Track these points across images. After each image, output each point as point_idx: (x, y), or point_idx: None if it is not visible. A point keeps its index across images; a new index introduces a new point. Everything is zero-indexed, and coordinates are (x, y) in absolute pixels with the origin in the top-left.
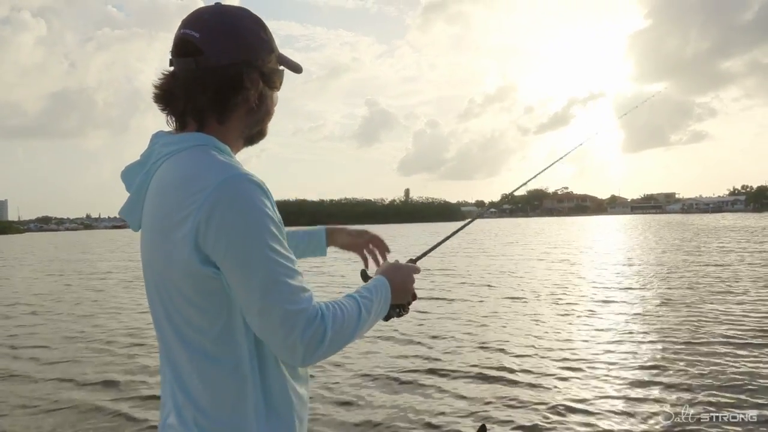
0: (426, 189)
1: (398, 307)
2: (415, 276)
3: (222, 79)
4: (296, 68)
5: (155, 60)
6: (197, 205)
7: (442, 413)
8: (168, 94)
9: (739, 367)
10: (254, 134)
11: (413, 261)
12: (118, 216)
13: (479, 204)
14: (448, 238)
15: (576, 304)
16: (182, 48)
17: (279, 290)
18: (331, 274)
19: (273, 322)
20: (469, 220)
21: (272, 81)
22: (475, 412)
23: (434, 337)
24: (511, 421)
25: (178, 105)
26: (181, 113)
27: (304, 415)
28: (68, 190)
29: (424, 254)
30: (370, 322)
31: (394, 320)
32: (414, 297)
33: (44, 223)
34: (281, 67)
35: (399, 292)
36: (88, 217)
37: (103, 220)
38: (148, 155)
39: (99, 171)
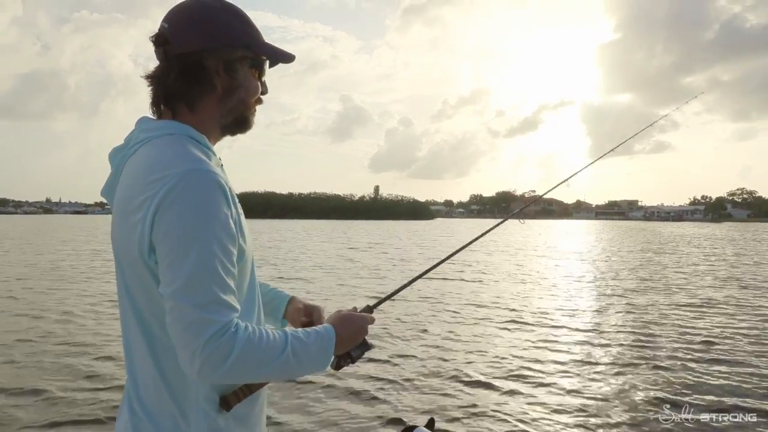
0: (395, 187)
1: (348, 355)
2: (369, 326)
3: (183, 67)
4: (285, 57)
5: (129, 45)
6: (154, 192)
7: (394, 406)
8: (151, 83)
9: (737, 367)
10: (230, 123)
11: (370, 308)
12: (78, 201)
13: (448, 203)
14: (410, 283)
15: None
16: (157, 39)
17: (198, 292)
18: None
19: (180, 322)
20: (456, 251)
21: (234, 70)
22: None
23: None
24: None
25: (153, 92)
26: (155, 101)
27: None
28: (29, 172)
29: (382, 301)
30: (296, 366)
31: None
32: (367, 345)
33: (1, 205)
34: (264, 59)
35: (346, 343)
36: (47, 201)
37: (64, 204)
38: (129, 139)
39: (63, 155)
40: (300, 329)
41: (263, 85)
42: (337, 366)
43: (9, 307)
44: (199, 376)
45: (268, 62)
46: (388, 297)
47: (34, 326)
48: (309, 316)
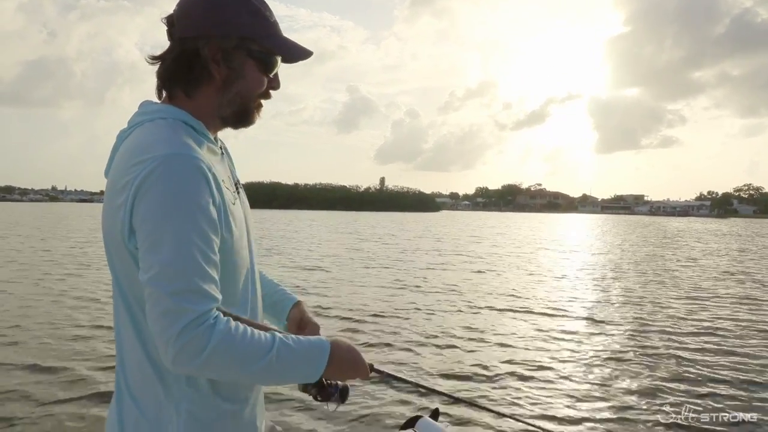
0: (401, 178)
1: (323, 386)
2: (358, 378)
3: (181, 51)
4: (300, 54)
5: (136, 34)
6: (135, 175)
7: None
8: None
9: (737, 366)
10: (229, 116)
11: (371, 366)
12: (84, 189)
13: (453, 196)
14: (423, 386)
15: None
16: (167, 20)
17: (174, 279)
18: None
19: (157, 310)
20: None
21: (232, 61)
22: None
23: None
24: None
25: (156, 75)
26: (157, 84)
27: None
28: (35, 160)
29: (389, 375)
30: (279, 371)
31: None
32: (344, 394)
33: (7, 193)
34: (275, 54)
35: (336, 367)
36: (53, 188)
37: (69, 192)
38: (129, 121)
39: (69, 142)
40: (292, 336)
41: (274, 79)
42: (304, 388)
43: (28, 292)
44: (174, 366)
45: (280, 57)
46: (396, 377)
47: (52, 310)
48: (301, 330)
